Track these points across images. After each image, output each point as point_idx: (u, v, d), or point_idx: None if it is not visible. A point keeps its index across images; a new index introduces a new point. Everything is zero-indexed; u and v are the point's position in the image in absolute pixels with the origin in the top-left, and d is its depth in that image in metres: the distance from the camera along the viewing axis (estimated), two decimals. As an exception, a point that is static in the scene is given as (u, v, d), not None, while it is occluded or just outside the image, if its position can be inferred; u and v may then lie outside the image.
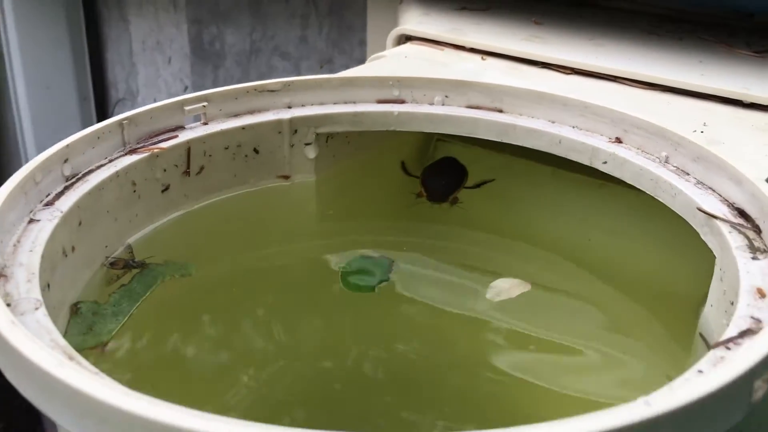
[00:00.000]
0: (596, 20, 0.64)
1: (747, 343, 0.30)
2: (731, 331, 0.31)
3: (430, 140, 0.64)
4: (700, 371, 0.29)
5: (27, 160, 1.56)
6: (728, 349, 0.30)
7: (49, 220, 0.39)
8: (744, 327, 0.31)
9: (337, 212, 0.57)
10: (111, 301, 0.41)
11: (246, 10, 1.07)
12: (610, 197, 0.56)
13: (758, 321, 0.32)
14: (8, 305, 0.32)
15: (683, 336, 0.44)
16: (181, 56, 1.21)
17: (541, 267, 0.52)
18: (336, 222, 0.56)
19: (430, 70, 0.57)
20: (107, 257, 0.44)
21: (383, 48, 0.80)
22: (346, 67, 0.96)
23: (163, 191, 0.49)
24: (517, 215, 0.57)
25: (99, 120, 1.47)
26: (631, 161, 0.46)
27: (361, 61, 0.93)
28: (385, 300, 0.46)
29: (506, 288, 0.46)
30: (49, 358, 0.26)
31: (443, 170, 0.57)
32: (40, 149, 1.59)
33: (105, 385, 0.25)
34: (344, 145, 0.57)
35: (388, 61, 0.59)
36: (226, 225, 0.52)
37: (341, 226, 0.56)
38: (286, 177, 0.55)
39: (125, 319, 0.40)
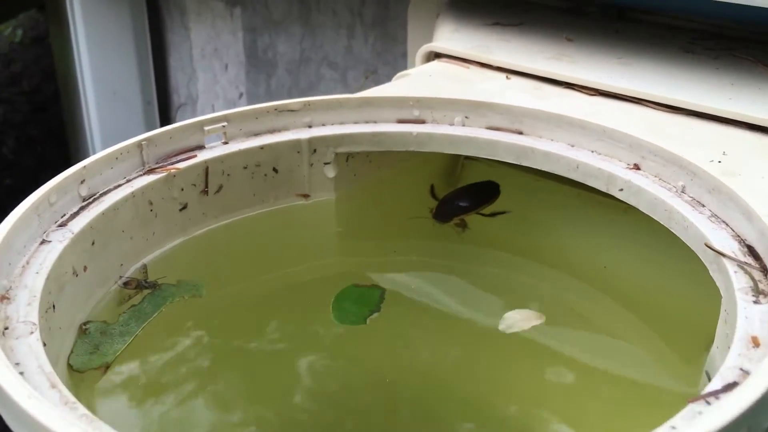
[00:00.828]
0: (632, 36, 0.62)
1: (727, 398, 0.29)
2: (715, 384, 0.30)
3: (457, 160, 0.63)
4: (673, 428, 0.28)
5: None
6: (708, 403, 0.29)
7: (59, 241, 0.41)
8: (729, 379, 0.30)
9: (357, 231, 0.57)
10: (120, 321, 0.43)
11: (297, 19, 1.08)
12: (635, 222, 0.54)
13: (746, 373, 0.30)
14: (6, 329, 0.34)
15: (699, 371, 0.43)
16: (237, 63, 1.24)
17: (560, 291, 0.51)
18: (355, 241, 0.57)
19: (452, 90, 0.56)
20: (120, 276, 0.46)
21: (420, 61, 0.80)
22: (390, 78, 0.96)
23: (180, 210, 0.50)
24: (540, 237, 0.56)
25: (162, 124, 1.51)
26: (646, 190, 0.45)
27: (403, 72, 0.93)
28: (376, 333, 0.46)
29: (519, 319, 0.45)
30: (21, 389, 0.28)
31: (466, 193, 0.57)
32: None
33: (67, 421, 0.26)
34: (365, 163, 0.58)
35: (411, 80, 0.59)
36: (243, 244, 0.53)
37: (361, 246, 0.56)
38: (306, 196, 0.55)
39: (131, 339, 0.41)
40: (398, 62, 0.92)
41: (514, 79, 0.58)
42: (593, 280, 0.52)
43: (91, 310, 0.43)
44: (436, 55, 0.64)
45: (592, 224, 0.56)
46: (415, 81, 0.59)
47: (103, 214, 0.44)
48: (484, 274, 0.54)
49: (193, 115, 1.41)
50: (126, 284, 0.46)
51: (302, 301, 0.50)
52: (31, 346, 0.33)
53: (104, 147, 1.75)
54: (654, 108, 0.51)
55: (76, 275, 0.42)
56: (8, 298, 0.36)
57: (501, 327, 0.45)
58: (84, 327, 0.41)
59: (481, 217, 0.55)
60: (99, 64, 1.53)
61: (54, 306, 0.39)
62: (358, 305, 0.46)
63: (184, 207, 0.50)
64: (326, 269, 0.54)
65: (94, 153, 1.81)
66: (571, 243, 0.55)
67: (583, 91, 0.55)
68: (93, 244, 0.43)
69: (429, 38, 0.78)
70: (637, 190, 0.46)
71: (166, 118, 1.51)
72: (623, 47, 0.61)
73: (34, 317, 0.35)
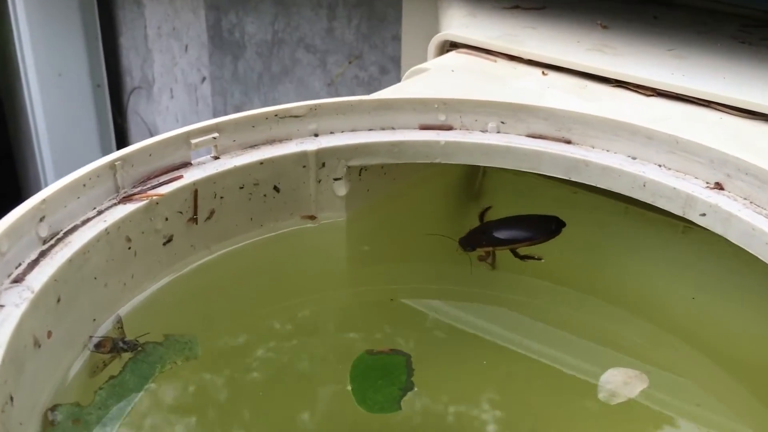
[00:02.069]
0: (674, 23, 0.54)
1: None
2: None
3: (478, 168, 0.55)
4: None
5: (40, 151, 1.49)
6: None
7: (15, 305, 0.31)
8: None
9: (371, 256, 0.48)
10: (96, 402, 0.33)
11: (267, -4, 0.98)
12: (696, 244, 0.47)
13: None
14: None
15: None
16: (199, 44, 1.13)
17: (623, 330, 0.43)
18: (370, 266, 0.48)
19: (482, 89, 0.48)
20: (90, 337, 0.36)
21: (419, 44, 0.71)
22: (378, 64, 0.87)
23: (165, 244, 0.41)
24: (581, 260, 0.48)
25: (114, 109, 1.39)
26: (738, 217, 0.37)
27: (395, 59, 0.83)
28: (420, 422, 0.36)
29: (621, 383, 0.36)
30: None
31: (514, 223, 0.47)
32: (53, 138, 1.52)
33: None
34: (379, 176, 0.49)
35: (431, 77, 0.50)
36: (241, 280, 0.44)
37: (376, 272, 0.48)
38: (312, 218, 0.46)
39: (115, 430, 0.32)
40: (387, 46, 0.83)
41: (552, 75, 0.50)
42: (648, 312, 0.44)
43: (57, 388, 0.34)
44: (452, 45, 0.55)
45: (645, 247, 0.48)
46: (436, 78, 0.50)
47: (71, 261, 0.35)
48: (532, 309, 0.45)
49: (149, 100, 1.30)
50: (98, 346, 0.36)
51: (317, 359, 0.41)
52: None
53: (50, 136, 1.61)
54: (730, 113, 0.44)
55: (39, 346, 0.32)
56: (-51, 401, 0.26)
57: (602, 396, 0.36)
58: (50, 415, 0.32)
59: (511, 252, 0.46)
60: (42, 43, 1.39)
61: (12, 398, 0.29)
62: (383, 382, 0.36)
63: (169, 240, 0.41)
64: (340, 305, 0.46)
65: (39, 143, 1.66)
66: (621, 269, 0.47)
67: (638, 90, 0.47)
68: (59, 301, 0.34)
69: (427, 18, 0.69)
70: (727, 216, 0.38)
71: (118, 103, 1.39)
72: (669, 36, 0.53)
73: (-13, 430, 0.25)
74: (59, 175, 0.36)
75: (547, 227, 0.45)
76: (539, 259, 0.45)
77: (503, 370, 0.39)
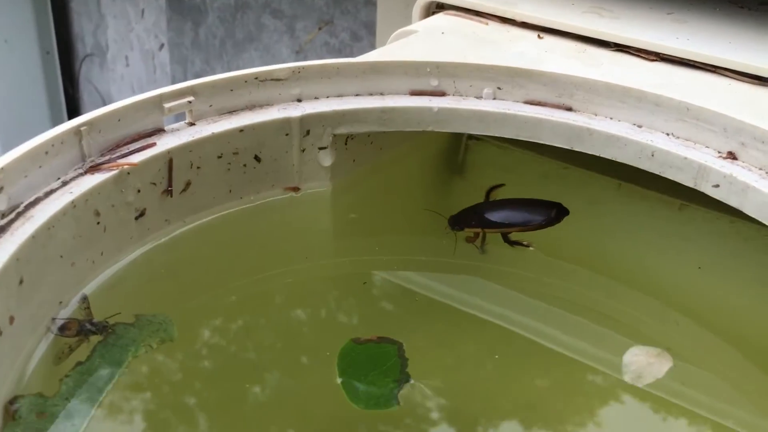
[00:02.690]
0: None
1: None
2: None
3: (460, 139, 0.52)
4: None
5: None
6: None
7: (-28, 288, 0.27)
8: None
9: (356, 229, 0.45)
10: (62, 392, 0.30)
11: (230, -42, 0.93)
12: (694, 221, 0.45)
13: None
14: None
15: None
16: (156, 9, 1.07)
17: (628, 308, 0.41)
18: (355, 239, 0.45)
19: (475, 53, 0.45)
20: (54, 319, 0.32)
21: (397, 9, 0.67)
22: (350, 30, 0.83)
23: (137, 218, 0.37)
24: (573, 237, 0.45)
25: (65, 78, 1.32)
26: (756, 188, 0.35)
27: (368, 24, 0.80)
28: (419, 418, 0.32)
29: (645, 363, 0.34)
30: None
31: (514, 206, 0.43)
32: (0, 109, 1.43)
33: None
34: (365, 146, 0.46)
35: (420, 40, 0.47)
36: (217, 255, 0.40)
37: (361, 246, 0.45)
38: (295, 189, 0.43)
39: (85, 423, 0.29)
40: (360, 11, 0.79)
41: (548, 38, 0.47)
42: (652, 292, 0.42)
43: (18, 377, 0.30)
44: (439, 6, 0.52)
45: (640, 224, 0.46)
46: (425, 41, 0.47)
47: (34, 237, 0.31)
48: (525, 284, 0.43)
49: (102, 68, 1.24)
50: (63, 329, 0.33)
51: (300, 340, 0.37)
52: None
53: (-4, 105, 1.53)
54: (740, 80, 0.41)
55: (1, 333, 0.29)
56: None
57: (628, 378, 0.33)
58: (12, 407, 0.28)
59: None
60: (-15, 7, 1.31)
61: (-29, 393, 0.26)
62: (375, 375, 0.33)
63: (141, 214, 0.37)
64: (323, 281, 0.42)
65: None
66: (615, 247, 0.45)
67: (641, 55, 0.44)
68: (21, 282, 0.30)
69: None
70: (743, 187, 0.36)
71: (69, 72, 1.32)
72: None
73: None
74: (5, 149, 0.32)
75: (546, 213, 0.41)
76: (527, 245, 0.42)
77: (506, 354, 0.37)
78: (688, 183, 0.38)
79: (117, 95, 1.22)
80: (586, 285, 0.42)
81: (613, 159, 0.40)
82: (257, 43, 0.93)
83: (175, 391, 0.33)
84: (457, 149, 0.52)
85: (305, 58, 0.87)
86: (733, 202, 0.37)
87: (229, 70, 1.00)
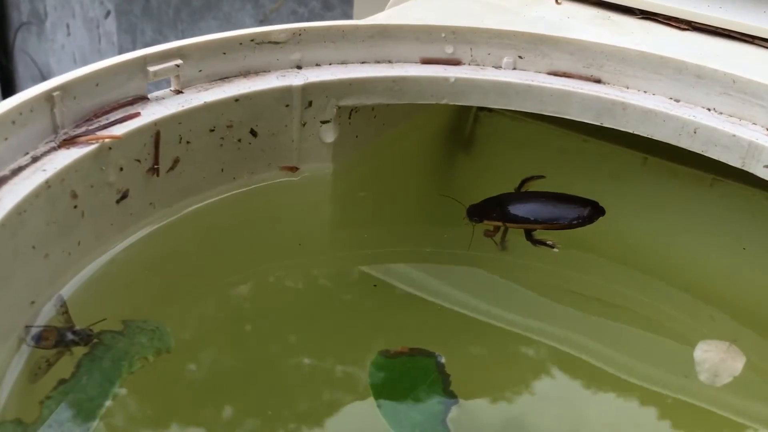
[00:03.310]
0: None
1: None
2: None
3: (469, 112, 0.48)
4: None
5: None
6: None
7: (-70, 290, 0.22)
8: None
9: (361, 214, 0.41)
10: (45, 417, 0.24)
11: None
12: (725, 198, 0.42)
13: None
14: None
15: None
16: (101, -26, 0.99)
17: (654, 300, 0.37)
18: (360, 227, 0.40)
19: (491, 18, 0.40)
20: (26, 327, 0.27)
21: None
22: (322, -2, 0.77)
23: (118, 201, 0.32)
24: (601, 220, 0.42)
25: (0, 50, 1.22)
26: (816, 169, 0.32)
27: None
28: None
29: (718, 360, 0.30)
30: None
31: (532, 199, 0.39)
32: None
33: None
34: (368, 120, 0.41)
35: (428, 2, 0.42)
36: (208, 247, 0.35)
37: (367, 233, 0.40)
38: (293, 169, 0.38)
39: (76, 455, 0.23)
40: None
41: (566, 4, 0.43)
42: (676, 272, 0.39)
43: (-9, 396, 0.25)
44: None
45: (668, 201, 0.42)
46: (434, 4, 0.42)
47: (3, 225, 0.25)
48: (550, 277, 0.39)
49: (40, 38, 1.14)
50: (39, 339, 0.27)
51: (313, 347, 0.33)
52: None
53: None
54: (784, 51, 0.38)
55: (-35, 345, 0.23)
56: None
57: (704, 378, 0.30)
58: (-15, 437, 0.23)
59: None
60: None
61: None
62: (415, 395, 0.28)
63: (124, 196, 0.32)
64: (328, 275, 0.38)
65: None
66: (640, 227, 0.41)
67: (671, 23, 0.41)
68: (-12, 280, 0.25)
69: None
70: (801, 168, 0.33)
71: (2, 42, 1.22)
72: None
73: None
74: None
75: (578, 212, 0.37)
76: (552, 246, 0.38)
77: (548, 361, 0.33)
78: (735, 163, 0.35)
79: (57, 68, 1.13)
80: (612, 279, 0.39)
81: (649, 136, 0.37)
82: (216, 11, 0.87)
83: (181, 413, 0.28)
84: (465, 122, 0.48)
85: (270, 29, 0.81)
86: (788, 183, 0.33)
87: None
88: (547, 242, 0.38)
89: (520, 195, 0.39)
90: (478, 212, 0.38)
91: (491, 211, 0.38)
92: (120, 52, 1.02)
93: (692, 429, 0.30)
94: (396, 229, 0.40)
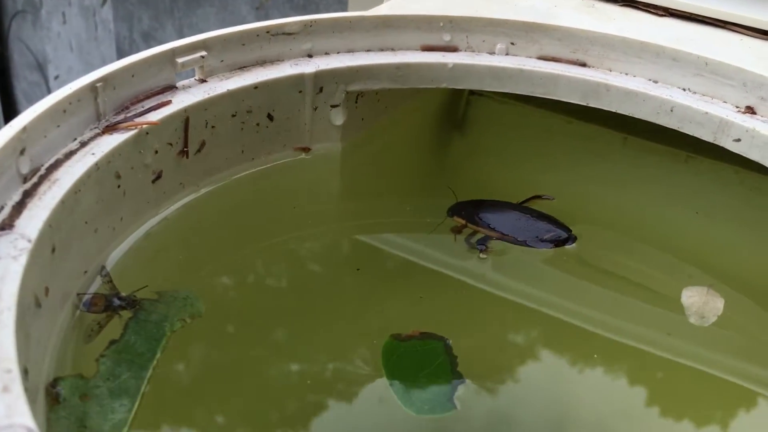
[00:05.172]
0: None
1: None
2: None
3: (461, 95, 0.51)
4: None
5: None
6: None
7: (12, 258, 0.25)
8: None
9: (366, 188, 0.44)
10: (102, 372, 0.28)
11: None
12: (700, 173, 0.46)
13: None
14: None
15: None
16: (97, -37, 1.01)
17: (639, 264, 0.41)
18: (365, 200, 0.43)
19: (485, 7, 0.44)
20: (79, 294, 0.30)
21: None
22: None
23: (154, 181, 0.35)
24: (580, 194, 0.46)
25: (-8, 36, 1.24)
26: (779, 141, 0.36)
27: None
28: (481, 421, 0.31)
29: (701, 303, 0.34)
30: None
31: (505, 211, 0.41)
32: None
33: None
34: (374, 104, 0.44)
35: (425, -7, 0.46)
36: (232, 222, 0.39)
37: (372, 206, 0.43)
38: (306, 149, 0.42)
39: (137, 403, 0.27)
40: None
41: (553, -7, 0.46)
42: (658, 241, 0.42)
43: (55, 357, 0.28)
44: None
45: (647, 175, 0.46)
46: (431, -6, 0.46)
47: (63, 202, 0.28)
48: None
49: (36, 26, 1.16)
50: (90, 305, 0.30)
51: (327, 311, 0.36)
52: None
53: None
54: (752, 35, 0.42)
55: (39, 306, 0.27)
56: (-37, 382, 0.20)
57: (693, 320, 0.33)
58: (54, 390, 0.27)
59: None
60: None
61: (27, 371, 0.24)
62: (426, 376, 0.31)
63: (158, 177, 0.35)
64: (338, 244, 0.41)
65: None
66: (622, 199, 0.45)
67: (650, 10, 0.44)
68: (53, 251, 0.28)
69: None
70: (766, 141, 0.37)
71: (-3, 29, 1.24)
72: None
73: (24, 414, 0.20)
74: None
75: (540, 235, 0.39)
76: (482, 251, 0.39)
77: (548, 335, 0.36)
78: (707, 138, 0.39)
79: (53, 55, 1.15)
80: (601, 245, 0.42)
81: (631, 115, 0.41)
82: (213, -2, 0.89)
83: (221, 365, 0.32)
84: (458, 105, 0.51)
85: (266, 16, 0.84)
86: (754, 155, 0.37)
87: (181, 28, 0.96)
88: (480, 246, 0.39)
89: (501, 204, 0.42)
90: (454, 208, 0.41)
91: (463, 209, 0.41)
92: (117, 40, 1.04)
93: (696, 366, 0.33)
94: (398, 200, 0.43)
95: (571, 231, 0.40)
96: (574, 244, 0.40)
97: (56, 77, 1.15)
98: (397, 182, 0.45)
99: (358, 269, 0.39)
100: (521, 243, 0.40)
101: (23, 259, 0.25)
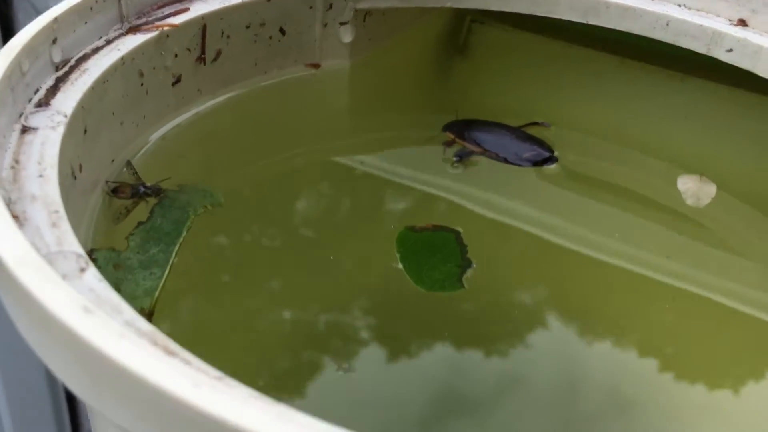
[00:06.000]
0: None
1: None
2: None
3: (463, 21, 0.53)
4: None
5: None
6: None
7: (51, 128, 0.27)
8: None
9: (374, 104, 0.46)
10: (132, 246, 0.30)
11: None
12: (695, 92, 0.47)
13: None
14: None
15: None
16: None
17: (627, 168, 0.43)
18: (373, 115, 0.45)
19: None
20: (107, 181, 0.32)
21: None
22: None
23: (173, 84, 0.37)
24: (579, 115, 0.47)
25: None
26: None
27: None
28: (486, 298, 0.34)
29: (697, 189, 0.36)
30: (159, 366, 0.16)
31: (494, 131, 0.43)
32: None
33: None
34: (380, 24, 0.46)
35: None
36: (247, 129, 0.40)
37: (379, 121, 0.45)
38: (316, 66, 0.43)
39: (166, 272, 0.29)
40: None
41: None
42: (657, 153, 0.44)
43: (88, 232, 0.30)
44: None
45: (643, 97, 0.48)
46: None
47: (93, 88, 0.30)
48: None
49: (39, -16, 1.17)
50: (116, 191, 0.32)
51: (339, 211, 0.38)
52: (95, 290, 0.20)
53: None
54: (744, -47, 0.43)
55: (75, 178, 0.29)
56: (16, 217, 0.22)
57: (690, 202, 0.36)
58: (90, 258, 0.28)
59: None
60: None
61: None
62: (437, 260, 0.33)
63: (178, 80, 0.37)
64: (346, 155, 0.43)
65: None
66: (621, 116, 0.47)
67: (646, -67, 0.46)
68: (85, 132, 0.30)
69: None
70: (756, 50, 0.38)
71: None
72: None
73: (74, 244, 0.22)
74: None
75: (521, 153, 0.41)
76: (455, 162, 0.41)
77: (543, 244, 0.38)
78: (701, 50, 0.40)
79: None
80: (602, 157, 0.44)
81: (628, 30, 0.42)
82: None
83: (243, 245, 0.34)
84: (460, 31, 0.53)
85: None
86: (745, 64, 0.39)
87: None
88: (455, 157, 0.41)
89: (493, 124, 0.43)
90: (449, 125, 0.43)
91: (454, 125, 0.43)
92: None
93: (695, 238, 0.36)
94: (404, 116, 0.45)
95: (553, 152, 0.42)
96: (553, 165, 0.42)
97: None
98: (403, 98, 0.46)
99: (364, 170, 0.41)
100: (502, 159, 0.42)
101: (61, 129, 0.27)
